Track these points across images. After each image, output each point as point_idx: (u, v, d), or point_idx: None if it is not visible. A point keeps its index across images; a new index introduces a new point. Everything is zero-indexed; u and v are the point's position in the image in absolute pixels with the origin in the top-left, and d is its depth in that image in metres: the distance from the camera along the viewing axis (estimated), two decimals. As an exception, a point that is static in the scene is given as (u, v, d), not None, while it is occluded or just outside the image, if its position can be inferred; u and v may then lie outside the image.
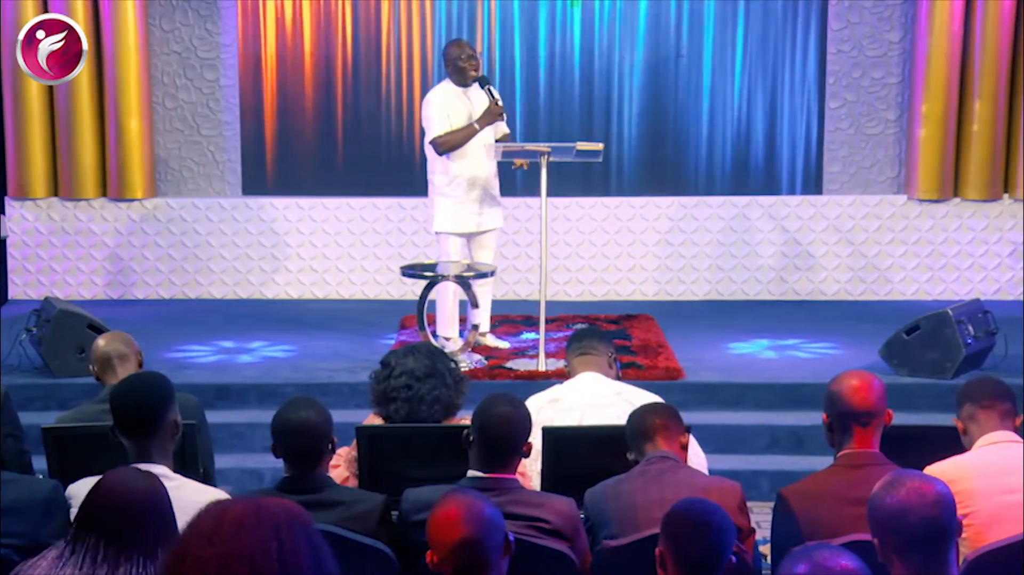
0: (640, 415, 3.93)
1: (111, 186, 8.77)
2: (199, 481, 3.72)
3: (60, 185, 8.77)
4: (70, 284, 8.83)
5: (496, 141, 7.01)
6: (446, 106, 6.92)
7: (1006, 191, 8.59)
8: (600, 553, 3.55)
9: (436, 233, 7.15)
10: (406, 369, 4.28)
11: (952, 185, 8.58)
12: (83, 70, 8.49)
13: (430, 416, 4.25)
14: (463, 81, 6.96)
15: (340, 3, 8.84)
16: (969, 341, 6.62)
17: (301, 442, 3.63)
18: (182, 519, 1.94)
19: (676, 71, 8.84)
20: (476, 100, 6.96)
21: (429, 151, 7.00)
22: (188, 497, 3.45)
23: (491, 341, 7.27)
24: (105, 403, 3.96)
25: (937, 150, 8.48)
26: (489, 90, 6.88)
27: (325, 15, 8.86)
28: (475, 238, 7.12)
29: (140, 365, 4.61)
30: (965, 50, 8.39)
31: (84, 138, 8.65)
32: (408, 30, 8.86)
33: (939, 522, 2.70)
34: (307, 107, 8.95)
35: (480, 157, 6.95)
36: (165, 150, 8.91)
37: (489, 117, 6.86)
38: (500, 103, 6.86)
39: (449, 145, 6.88)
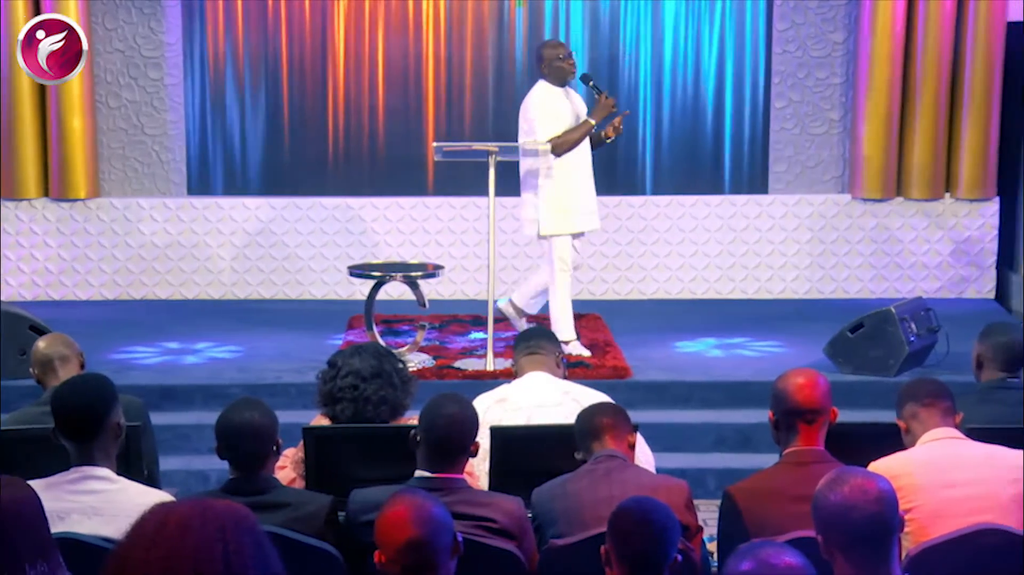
0: (589, 414, 3.94)
1: (53, 186, 8.66)
2: (143, 483, 3.69)
3: (1, 185, 8.64)
4: (11, 285, 8.71)
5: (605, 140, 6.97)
6: (552, 106, 6.82)
7: (948, 190, 8.70)
8: (547, 552, 3.55)
9: (542, 237, 6.92)
10: (352, 369, 4.27)
11: (895, 184, 8.67)
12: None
13: (376, 416, 4.24)
14: (561, 81, 6.88)
15: (285, 1, 8.78)
16: (912, 339, 6.70)
17: (245, 444, 3.61)
18: (125, 522, 1.92)
19: (622, 71, 8.86)
20: (575, 98, 6.92)
21: (532, 154, 6.77)
22: (132, 499, 3.43)
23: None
24: (47, 405, 3.92)
25: (880, 150, 8.57)
26: (595, 86, 6.83)
27: (274, 13, 8.80)
28: (577, 240, 7.05)
29: (82, 367, 4.57)
30: (907, 51, 8.48)
31: (25, 137, 8.54)
32: (357, 29, 8.82)
33: (882, 518, 2.73)
34: (253, 106, 8.89)
35: (581, 157, 6.87)
36: (108, 149, 8.82)
37: (602, 111, 6.78)
38: (609, 95, 6.81)
39: (567, 145, 6.76)
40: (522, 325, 7.10)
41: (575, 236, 7.01)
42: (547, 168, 6.85)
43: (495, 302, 6.97)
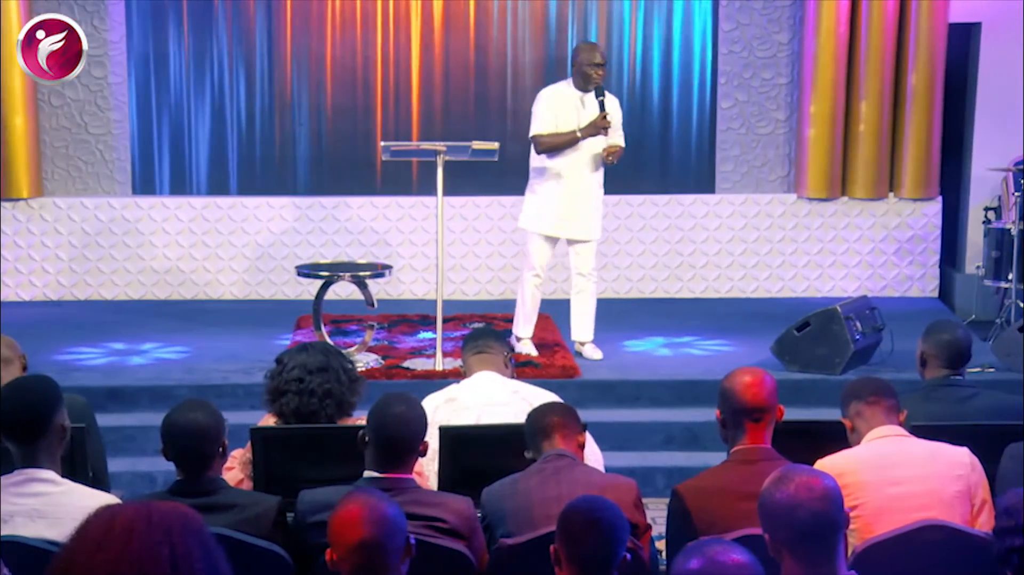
0: (539, 414, 3.95)
1: (-5, 185, 8.56)
2: (88, 485, 3.65)
3: (-58, 184, 8.53)
4: (-47, 286, 8.59)
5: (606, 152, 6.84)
6: (556, 106, 6.81)
7: (891, 190, 8.79)
8: (497, 551, 3.56)
9: (525, 230, 7.09)
10: (299, 363, 4.28)
11: (840, 184, 8.76)
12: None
13: (321, 410, 4.22)
14: (584, 86, 6.82)
15: None
16: (857, 337, 6.77)
17: (190, 444, 3.58)
18: (70, 525, 1.90)
19: (570, 71, 8.86)
20: (589, 106, 6.80)
21: (533, 146, 6.93)
22: (77, 502, 3.40)
23: (589, 352, 7.07)
24: (-11, 408, 3.87)
25: (825, 150, 8.65)
26: (601, 102, 6.74)
27: (219, 10, 8.73)
28: (573, 246, 6.99)
29: (24, 369, 4.51)
30: (851, 52, 8.57)
31: (-33, 136, 8.43)
32: (305, 27, 8.78)
33: (827, 516, 2.75)
34: (199, 105, 8.82)
35: (580, 164, 6.82)
36: (52, 148, 8.71)
37: (591, 129, 6.72)
38: (608, 117, 6.71)
39: (548, 146, 6.79)
40: (590, 351, 7.09)
41: (559, 240, 7.00)
42: (540, 166, 6.92)
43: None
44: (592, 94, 6.82)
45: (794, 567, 2.73)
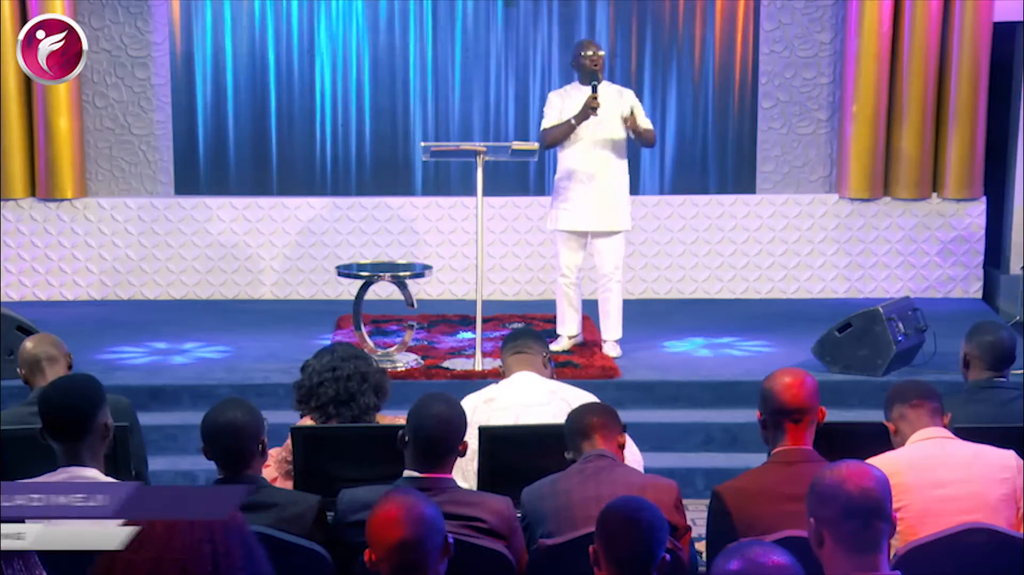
0: (579, 414, 3.95)
1: (40, 186, 8.64)
2: (131, 484, 3.68)
3: (-12, 185, 8.62)
4: (-2, 285, 8.69)
5: (636, 136, 6.85)
6: (562, 101, 6.88)
7: (935, 190, 8.72)
8: (537, 551, 3.55)
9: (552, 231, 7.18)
10: (326, 357, 4.40)
11: (882, 184, 8.69)
12: (10, 68, 8.39)
13: (359, 393, 4.31)
14: (585, 79, 6.85)
15: (273, 1, 8.76)
16: (900, 338, 6.71)
17: (229, 443, 3.61)
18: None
19: (608, 70, 8.85)
20: (602, 99, 6.77)
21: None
22: (120, 500, 3.42)
23: (607, 349, 7.08)
24: (34, 406, 3.92)
25: (867, 150, 8.58)
26: (593, 86, 6.73)
27: (258, 13, 8.78)
28: (592, 241, 6.99)
29: (70, 367, 4.56)
30: (894, 51, 8.50)
31: (12, 137, 8.51)
32: (344, 29, 8.81)
33: (873, 495, 2.73)
34: (241, 106, 8.87)
35: (589, 154, 6.83)
36: (95, 149, 8.79)
37: (584, 112, 6.72)
38: (597, 99, 6.66)
39: (548, 139, 6.87)
40: (608, 348, 7.10)
41: (582, 235, 6.99)
42: (558, 164, 6.97)
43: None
44: (604, 86, 6.84)
45: (835, 552, 2.70)
